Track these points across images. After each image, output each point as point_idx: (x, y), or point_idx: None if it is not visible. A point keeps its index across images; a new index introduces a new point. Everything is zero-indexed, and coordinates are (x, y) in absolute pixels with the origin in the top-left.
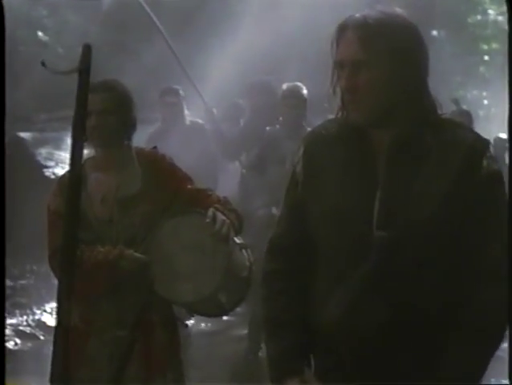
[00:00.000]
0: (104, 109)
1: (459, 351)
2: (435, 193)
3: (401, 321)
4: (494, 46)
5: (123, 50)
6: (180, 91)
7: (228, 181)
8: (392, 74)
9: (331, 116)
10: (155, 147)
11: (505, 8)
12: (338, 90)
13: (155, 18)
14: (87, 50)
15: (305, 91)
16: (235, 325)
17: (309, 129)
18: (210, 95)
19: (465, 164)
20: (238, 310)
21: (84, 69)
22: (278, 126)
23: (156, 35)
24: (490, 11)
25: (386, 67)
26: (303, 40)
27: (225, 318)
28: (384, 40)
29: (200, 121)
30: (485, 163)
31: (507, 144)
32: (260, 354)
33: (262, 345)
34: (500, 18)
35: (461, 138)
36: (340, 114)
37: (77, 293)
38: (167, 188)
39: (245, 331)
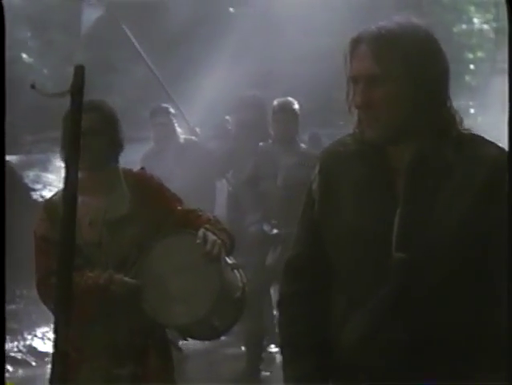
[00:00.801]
0: (91, 130)
1: (483, 377)
2: (457, 212)
3: (420, 347)
4: (480, 54)
5: (111, 68)
6: (171, 109)
7: (216, 199)
8: (408, 88)
9: (325, 130)
10: (143, 168)
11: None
12: (353, 106)
13: (134, 40)
14: (80, 70)
15: (296, 106)
16: (230, 343)
17: (302, 145)
18: (199, 113)
19: (488, 181)
20: (234, 328)
21: (77, 90)
22: (270, 141)
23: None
24: (475, 20)
25: (402, 82)
26: (295, 55)
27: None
28: (399, 53)
29: (194, 138)
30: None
31: None
32: (261, 373)
33: (262, 366)
34: (485, 26)
35: (483, 153)
36: (357, 130)
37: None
38: (156, 209)
39: (241, 350)
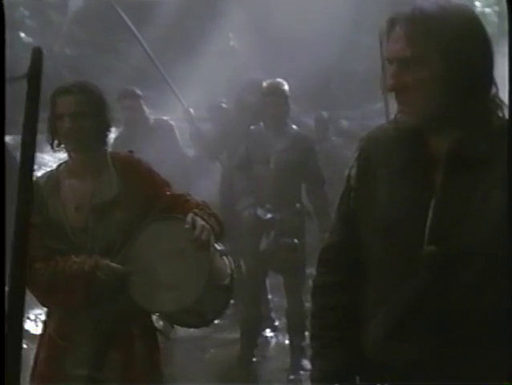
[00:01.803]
0: (78, 111)
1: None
2: (495, 207)
3: (447, 348)
4: None
5: (108, 49)
6: (137, 91)
7: (209, 181)
8: (442, 73)
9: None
10: (131, 151)
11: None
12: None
13: (128, 20)
14: (38, 54)
15: (286, 87)
16: (223, 328)
17: (294, 126)
18: (195, 94)
19: None
20: (228, 313)
21: (34, 74)
22: (262, 124)
23: (142, 35)
24: (477, 3)
25: (437, 65)
26: (295, 37)
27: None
28: (433, 36)
29: (164, 118)
30: None
31: None
32: (254, 359)
33: (255, 351)
34: (487, 10)
35: None
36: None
37: (51, 306)
38: (144, 193)
39: (234, 335)
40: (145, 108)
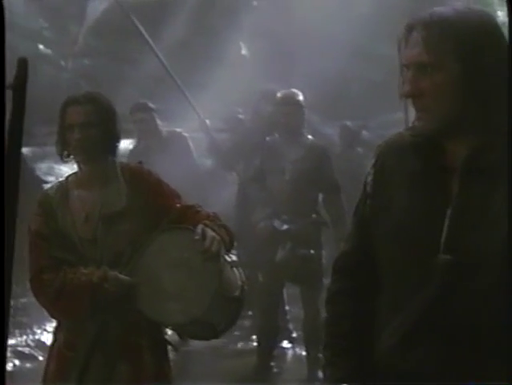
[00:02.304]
0: (87, 122)
1: None
2: (509, 221)
3: (460, 357)
4: None
5: (124, 59)
6: (150, 104)
7: (226, 192)
8: (460, 79)
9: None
10: (140, 162)
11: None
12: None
13: (143, 30)
14: (23, 64)
15: (301, 98)
16: (240, 339)
17: (309, 136)
18: (210, 105)
19: None
20: (244, 324)
21: (19, 84)
22: (276, 135)
23: (157, 45)
24: (499, 13)
25: (454, 71)
26: (312, 48)
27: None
28: (451, 41)
29: (178, 130)
30: None
31: None
32: (271, 370)
33: (272, 362)
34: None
35: None
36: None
37: (60, 317)
38: (153, 204)
39: (251, 346)
40: (158, 121)
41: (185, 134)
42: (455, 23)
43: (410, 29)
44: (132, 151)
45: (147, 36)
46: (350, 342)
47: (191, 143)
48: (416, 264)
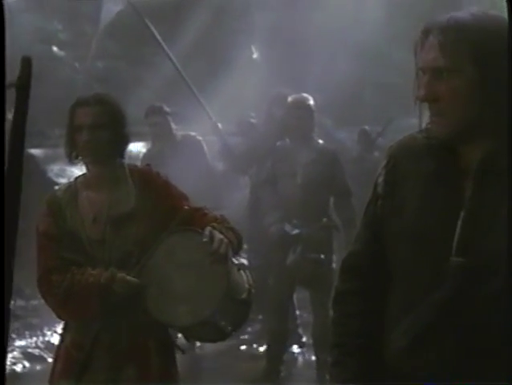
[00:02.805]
0: (96, 123)
1: None
2: None
3: (471, 360)
4: None
5: (139, 62)
6: (165, 108)
7: (238, 196)
8: (476, 83)
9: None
10: (148, 165)
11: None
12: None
13: (156, 34)
14: (27, 63)
15: (312, 102)
16: (250, 343)
17: (320, 141)
18: (223, 109)
19: None
20: (255, 328)
21: (23, 83)
22: (287, 139)
23: (171, 49)
24: None
25: (470, 76)
26: (325, 52)
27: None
28: (468, 46)
29: (192, 133)
30: None
31: None
32: (280, 374)
33: (282, 367)
34: None
35: None
36: (429, 125)
37: (67, 318)
38: (162, 206)
39: (261, 350)
40: (172, 125)
41: (199, 137)
42: (472, 28)
43: (427, 33)
44: (145, 155)
45: (160, 39)
46: (358, 341)
47: (205, 147)
48: (428, 266)
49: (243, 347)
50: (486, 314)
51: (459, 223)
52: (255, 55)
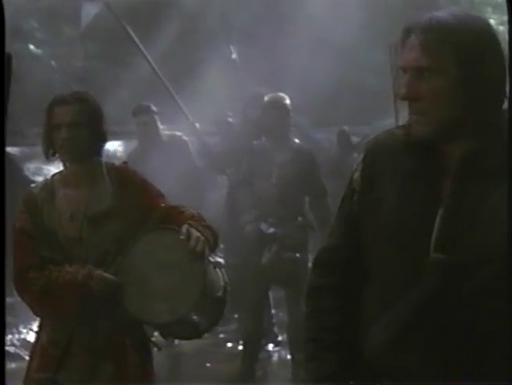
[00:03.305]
0: (75, 121)
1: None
2: (503, 219)
3: (449, 356)
4: None
5: (117, 61)
6: (152, 107)
7: (216, 195)
8: (458, 83)
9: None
10: (125, 163)
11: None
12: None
13: (133, 35)
14: (8, 60)
15: (288, 101)
16: (225, 342)
17: (296, 140)
18: (200, 109)
19: None
20: (231, 327)
21: (4, 80)
22: (263, 139)
23: (150, 48)
24: (492, 21)
25: (451, 76)
26: (303, 52)
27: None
28: (449, 46)
29: (178, 133)
30: None
31: None
32: (255, 373)
33: (257, 365)
34: (501, 27)
35: None
36: (408, 123)
37: (44, 315)
38: (139, 204)
39: (236, 349)
40: (159, 124)
41: (185, 138)
42: (453, 28)
43: (408, 32)
44: (131, 153)
45: (137, 40)
46: (334, 337)
47: (191, 147)
48: (406, 262)
49: (219, 346)
50: (467, 309)
51: (438, 219)
52: (234, 55)
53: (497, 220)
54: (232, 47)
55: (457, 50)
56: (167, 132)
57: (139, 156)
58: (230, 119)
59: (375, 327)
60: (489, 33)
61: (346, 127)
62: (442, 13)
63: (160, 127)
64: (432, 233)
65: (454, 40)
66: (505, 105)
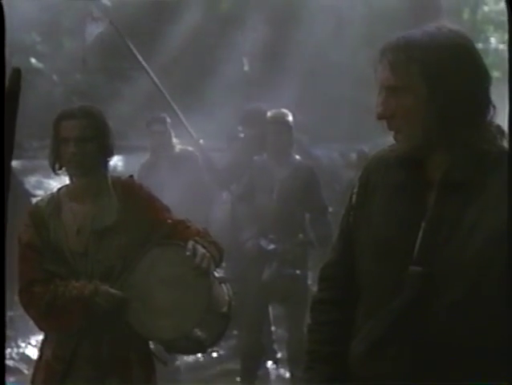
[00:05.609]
0: (83, 136)
1: None
2: (483, 232)
3: (425, 366)
4: (496, 74)
5: (119, 76)
6: (168, 119)
7: (220, 210)
8: (428, 100)
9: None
10: (131, 176)
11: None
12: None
13: (136, 52)
14: (16, 74)
15: (290, 118)
16: (224, 359)
17: (297, 157)
18: (204, 125)
19: None
20: (231, 343)
21: (12, 95)
22: (265, 155)
23: (150, 64)
24: (492, 39)
25: (421, 92)
26: (306, 68)
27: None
28: (416, 63)
29: (190, 148)
30: None
31: None
32: None
33: (256, 383)
34: (501, 46)
35: None
36: None
37: (50, 330)
38: (144, 218)
39: (235, 366)
40: (173, 135)
41: (197, 153)
42: (421, 46)
43: (382, 53)
44: (143, 165)
45: (138, 55)
46: (329, 349)
47: (201, 163)
48: (390, 274)
49: (218, 362)
50: (443, 321)
51: (420, 233)
52: (246, 68)
53: (476, 232)
54: (244, 59)
55: (423, 67)
56: (179, 146)
57: (151, 167)
58: (242, 135)
59: (357, 338)
60: (461, 46)
61: (365, 148)
62: (414, 31)
63: (174, 140)
64: (414, 246)
65: (421, 57)
66: (490, 117)
